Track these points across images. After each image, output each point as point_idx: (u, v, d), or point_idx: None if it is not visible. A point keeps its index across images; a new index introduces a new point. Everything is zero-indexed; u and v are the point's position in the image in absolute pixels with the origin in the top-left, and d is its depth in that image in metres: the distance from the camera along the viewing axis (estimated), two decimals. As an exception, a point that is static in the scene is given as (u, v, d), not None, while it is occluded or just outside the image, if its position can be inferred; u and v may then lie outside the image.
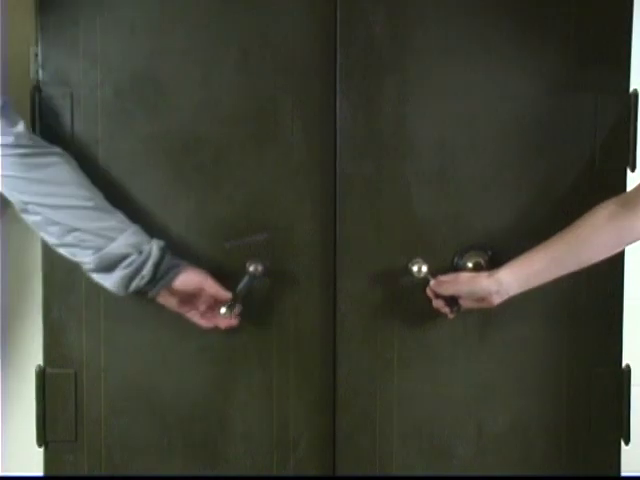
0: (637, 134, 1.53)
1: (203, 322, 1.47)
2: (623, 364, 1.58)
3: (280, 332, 1.53)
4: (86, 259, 1.38)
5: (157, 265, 1.39)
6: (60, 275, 1.50)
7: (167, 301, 1.45)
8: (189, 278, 1.43)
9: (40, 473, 1.56)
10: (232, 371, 1.54)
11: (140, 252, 1.39)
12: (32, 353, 1.58)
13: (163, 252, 1.41)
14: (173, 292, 1.43)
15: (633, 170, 1.54)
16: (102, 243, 1.37)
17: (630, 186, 1.54)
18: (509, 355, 1.56)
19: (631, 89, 1.52)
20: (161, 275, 1.41)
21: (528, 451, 1.58)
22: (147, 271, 1.38)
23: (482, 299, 1.44)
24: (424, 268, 1.49)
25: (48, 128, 1.46)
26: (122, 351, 1.52)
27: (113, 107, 1.48)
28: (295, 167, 1.50)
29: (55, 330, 1.52)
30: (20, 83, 1.48)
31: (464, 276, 1.47)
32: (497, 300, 1.44)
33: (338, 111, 1.49)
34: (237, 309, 1.46)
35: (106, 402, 1.53)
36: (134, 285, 1.39)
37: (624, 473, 1.60)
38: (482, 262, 1.52)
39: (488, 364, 1.56)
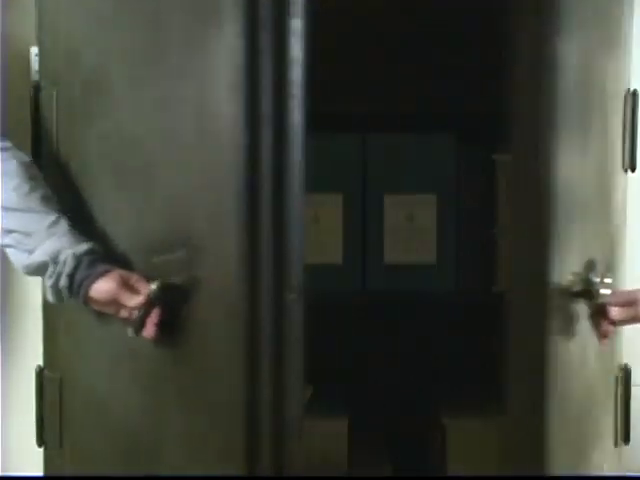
0: (637, 134, 1.53)
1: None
2: (623, 364, 1.58)
3: (196, 357, 1.34)
4: (20, 265, 1.34)
5: (71, 276, 1.32)
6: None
7: (98, 308, 1.36)
8: (101, 286, 1.32)
9: (40, 473, 1.56)
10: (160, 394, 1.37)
11: (56, 262, 1.32)
12: (32, 353, 1.58)
13: (78, 261, 1.32)
14: (94, 301, 1.34)
15: (633, 170, 1.54)
16: (36, 246, 1.32)
17: (630, 186, 1.54)
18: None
19: (631, 89, 1.53)
20: (77, 285, 1.32)
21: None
22: (63, 283, 1.31)
23: None
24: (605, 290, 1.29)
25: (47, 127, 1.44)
26: (91, 358, 1.43)
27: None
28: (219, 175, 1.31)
29: (51, 332, 1.50)
30: (20, 83, 1.48)
31: None
32: None
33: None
34: (154, 318, 1.32)
35: (80, 410, 1.45)
36: (63, 296, 1.33)
37: (624, 473, 1.60)
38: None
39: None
